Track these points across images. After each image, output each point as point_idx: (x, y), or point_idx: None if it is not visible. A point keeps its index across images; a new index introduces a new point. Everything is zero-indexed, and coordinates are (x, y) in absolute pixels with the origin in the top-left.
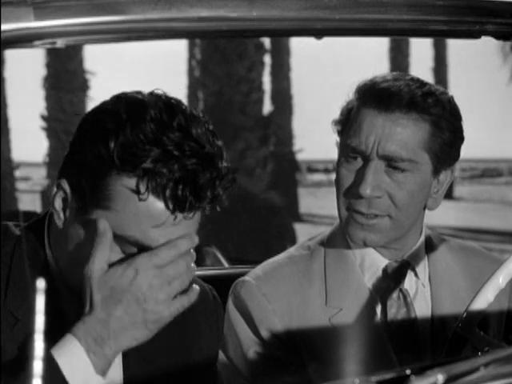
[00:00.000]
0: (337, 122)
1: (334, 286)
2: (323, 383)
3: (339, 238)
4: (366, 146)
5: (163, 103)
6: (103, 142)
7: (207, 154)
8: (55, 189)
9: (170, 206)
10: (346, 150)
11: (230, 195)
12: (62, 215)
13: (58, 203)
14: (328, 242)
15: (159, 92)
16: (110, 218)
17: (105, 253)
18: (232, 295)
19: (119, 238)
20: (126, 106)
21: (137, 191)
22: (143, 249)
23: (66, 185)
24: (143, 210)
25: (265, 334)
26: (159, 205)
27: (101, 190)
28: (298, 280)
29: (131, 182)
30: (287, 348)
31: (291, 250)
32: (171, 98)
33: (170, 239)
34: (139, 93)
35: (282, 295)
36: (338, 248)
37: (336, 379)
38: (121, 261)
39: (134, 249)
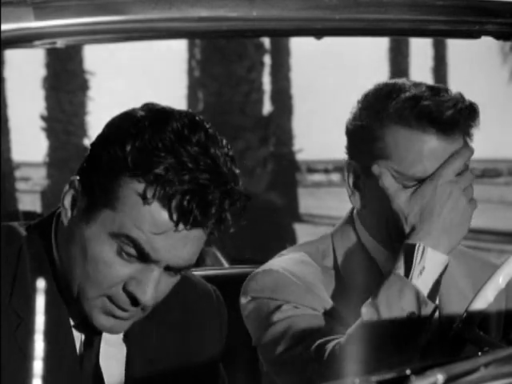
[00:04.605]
0: (380, 149)
1: (350, 277)
2: (323, 383)
3: (348, 237)
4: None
5: (188, 119)
6: (120, 144)
7: (221, 173)
8: (67, 186)
9: (174, 217)
10: (404, 178)
11: (238, 223)
12: (69, 213)
13: (68, 201)
14: (336, 242)
15: (190, 111)
16: (115, 218)
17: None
18: (254, 285)
19: (119, 237)
20: (151, 114)
21: (143, 196)
22: (141, 252)
23: (77, 183)
24: (147, 215)
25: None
26: (163, 213)
27: (110, 191)
28: (317, 276)
29: (140, 186)
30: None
31: (295, 255)
32: (197, 116)
33: (170, 251)
34: (169, 107)
35: (310, 283)
36: (349, 245)
37: (336, 379)
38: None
39: (132, 250)
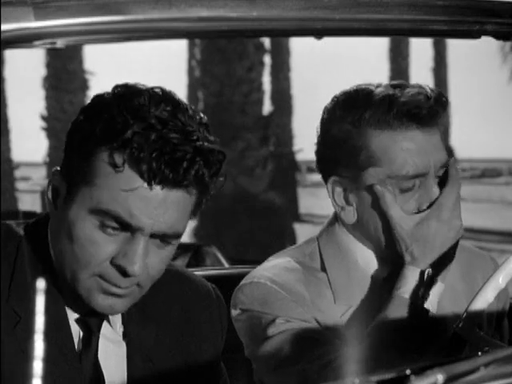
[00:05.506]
0: (367, 158)
1: (339, 284)
2: (323, 383)
3: (334, 239)
4: (426, 167)
5: (157, 93)
6: (90, 122)
7: (191, 132)
8: (49, 180)
9: (145, 177)
10: (398, 178)
11: (220, 183)
12: (52, 204)
13: (50, 193)
14: (322, 243)
15: (161, 86)
16: (92, 194)
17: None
18: (242, 297)
19: (98, 213)
20: (118, 91)
21: (113, 164)
22: (122, 222)
23: (57, 173)
24: (122, 183)
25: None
26: (134, 176)
27: (85, 169)
28: (305, 283)
29: (110, 155)
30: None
31: (281, 261)
32: (168, 90)
33: (151, 217)
34: (139, 84)
35: (298, 294)
36: (335, 247)
37: (336, 379)
38: None
39: (113, 222)
